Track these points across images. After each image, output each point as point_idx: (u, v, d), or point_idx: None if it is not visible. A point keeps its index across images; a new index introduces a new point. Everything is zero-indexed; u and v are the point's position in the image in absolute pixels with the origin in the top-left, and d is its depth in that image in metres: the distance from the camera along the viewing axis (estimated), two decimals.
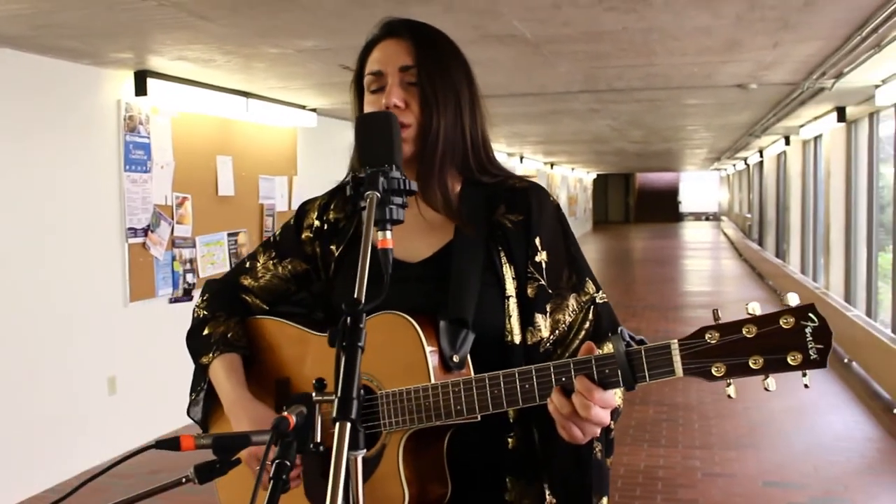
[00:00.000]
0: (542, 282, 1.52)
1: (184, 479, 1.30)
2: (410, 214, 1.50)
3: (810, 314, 1.19)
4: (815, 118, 10.29)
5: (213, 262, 6.89)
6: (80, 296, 5.52)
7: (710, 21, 4.66)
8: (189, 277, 6.55)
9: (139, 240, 6.02)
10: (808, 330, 1.18)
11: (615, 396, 1.36)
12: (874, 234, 8.96)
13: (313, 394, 1.23)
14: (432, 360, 1.40)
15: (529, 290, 1.52)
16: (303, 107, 8.04)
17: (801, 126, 11.23)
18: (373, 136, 1.30)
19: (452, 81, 1.55)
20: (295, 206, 8.22)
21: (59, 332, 5.36)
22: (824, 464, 5.42)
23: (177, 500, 4.96)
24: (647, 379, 1.26)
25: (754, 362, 1.20)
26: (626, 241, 28.76)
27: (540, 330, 1.51)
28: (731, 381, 1.23)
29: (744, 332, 1.21)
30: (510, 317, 1.50)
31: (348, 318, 1.09)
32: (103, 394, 5.74)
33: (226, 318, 1.66)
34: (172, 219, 6.36)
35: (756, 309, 1.21)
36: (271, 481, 1.11)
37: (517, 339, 1.50)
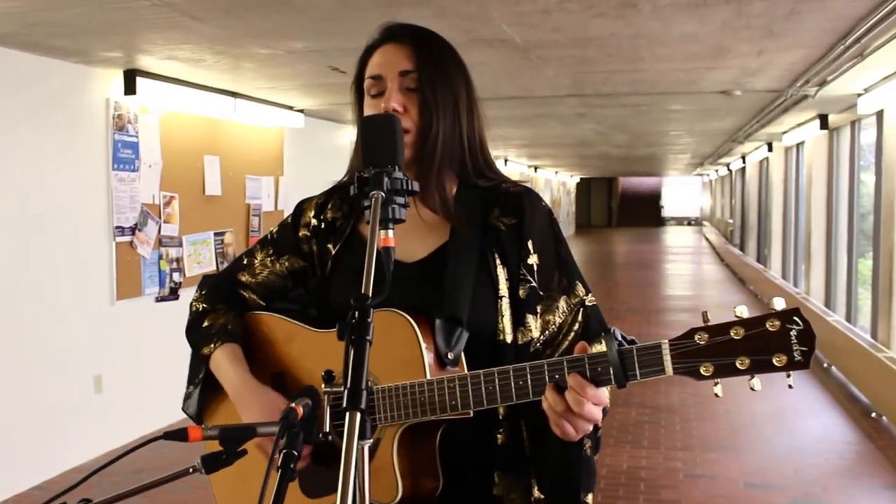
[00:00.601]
0: (534, 283, 1.56)
1: (191, 470, 1.34)
2: (408, 215, 1.54)
3: (795, 318, 1.23)
4: (798, 125, 10.41)
5: (200, 261, 6.89)
6: (67, 294, 5.53)
7: (696, 28, 4.73)
8: (176, 276, 6.56)
9: (126, 238, 6.03)
10: (792, 333, 1.23)
11: (607, 394, 1.40)
12: (854, 240, 9.07)
13: (322, 385, 1.26)
14: (428, 356, 1.44)
15: (521, 292, 1.56)
16: (290, 107, 8.06)
17: (784, 133, 11.35)
18: (377, 137, 1.34)
19: (451, 86, 1.59)
20: (281, 207, 8.27)
21: (45, 330, 5.36)
22: (804, 466, 5.49)
23: (161, 499, 4.98)
24: (639, 377, 1.30)
25: (741, 363, 1.25)
26: (609, 245, 28.89)
27: (531, 330, 1.55)
28: (719, 380, 1.28)
29: (731, 334, 1.25)
30: (503, 316, 1.54)
31: (356, 312, 1.12)
32: (90, 392, 5.74)
33: (225, 311, 1.70)
34: (160, 218, 6.37)
35: (743, 312, 1.26)
36: (279, 470, 1.15)
37: (509, 338, 1.54)
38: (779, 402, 7.12)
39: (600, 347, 1.36)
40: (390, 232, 1.24)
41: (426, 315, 1.48)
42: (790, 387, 1.26)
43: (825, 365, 8.32)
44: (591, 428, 1.38)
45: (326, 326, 1.60)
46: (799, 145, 12.09)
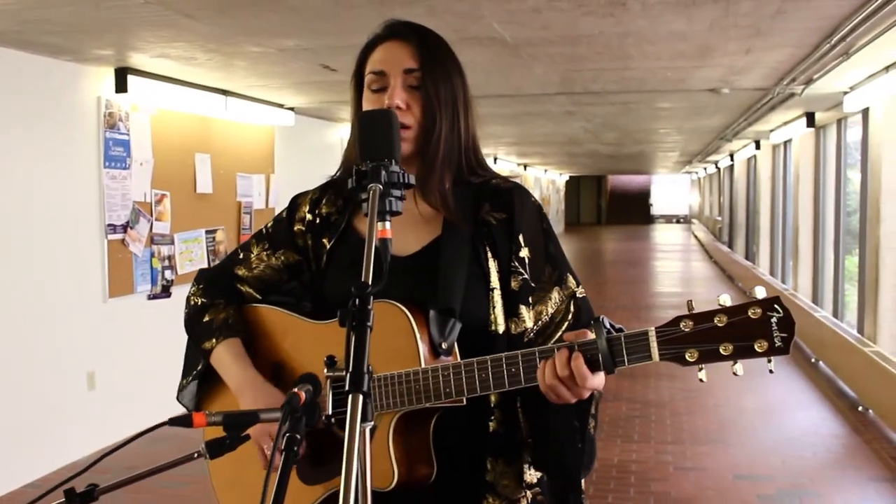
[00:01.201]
0: (526, 276, 1.61)
1: (196, 455, 1.38)
2: (404, 209, 1.59)
3: (776, 306, 1.29)
4: (785, 123, 10.49)
5: (192, 258, 6.92)
6: (59, 291, 5.54)
7: (684, 26, 4.78)
8: (167, 274, 6.58)
9: (118, 236, 6.05)
10: (773, 320, 1.29)
11: (602, 379, 1.44)
12: (841, 237, 9.16)
13: (324, 370, 1.30)
14: (423, 346, 1.48)
15: (513, 284, 1.61)
16: (281, 105, 8.08)
17: (772, 131, 11.43)
18: (374, 132, 1.37)
19: (452, 86, 1.64)
20: (272, 204, 8.28)
21: (38, 328, 5.38)
22: (792, 458, 5.56)
23: (156, 494, 5.03)
24: (626, 363, 1.36)
25: (724, 349, 1.31)
26: (598, 243, 28.98)
27: (524, 321, 1.60)
28: (703, 366, 1.33)
29: (715, 322, 1.31)
30: (494, 308, 1.59)
31: (357, 300, 1.16)
32: (83, 389, 5.76)
33: (225, 306, 1.74)
34: (151, 215, 6.39)
35: (727, 301, 1.31)
36: (283, 454, 1.19)
37: (500, 328, 1.59)
38: (767, 397, 7.19)
39: (591, 336, 1.41)
40: (387, 224, 1.27)
41: (420, 306, 1.52)
42: (771, 371, 1.31)
43: (813, 360, 8.40)
44: (585, 393, 1.42)
45: (321, 318, 1.64)
46: (786, 143, 12.19)
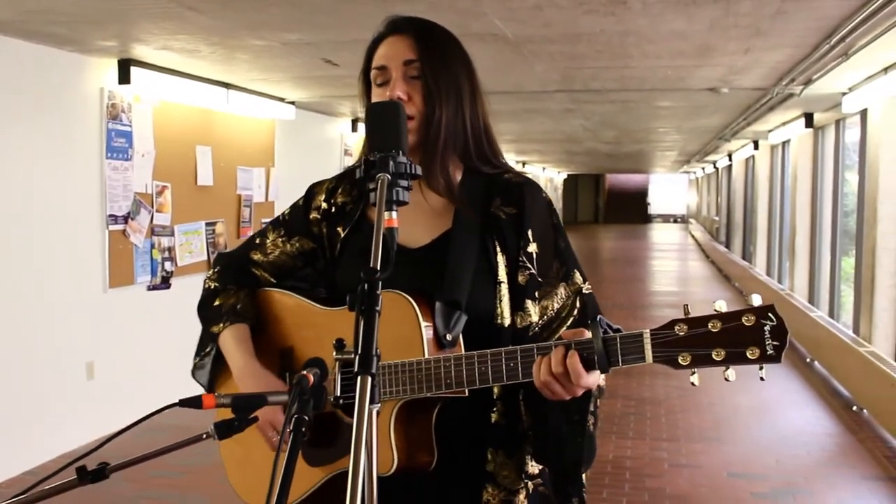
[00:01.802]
0: (533, 271, 1.64)
1: (203, 436, 1.41)
2: (413, 201, 1.62)
3: (770, 314, 1.31)
4: (784, 123, 10.52)
5: (191, 250, 6.94)
6: (60, 281, 5.57)
7: (685, 26, 4.81)
8: (167, 265, 6.60)
9: (119, 227, 6.07)
10: (766, 328, 1.30)
11: (596, 377, 1.46)
12: (838, 238, 9.20)
13: (333, 353, 1.33)
14: (427, 337, 1.51)
15: (520, 278, 1.64)
16: (282, 99, 8.11)
17: (770, 131, 11.47)
18: (381, 123, 1.40)
19: (453, 74, 1.67)
20: (272, 198, 8.32)
21: (39, 317, 5.40)
22: (786, 457, 5.60)
23: (150, 484, 5.06)
24: (620, 363, 1.39)
25: (717, 354, 1.33)
26: (596, 242, 29.02)
27: (530, 315, 1.63)
28: (696, 370, 1.36)
29: (709, 327, 1.33)
30: (500, 301, 1.62)
31: (366, 285, 1.20)
32: (82, 379, 5.79)
33: (235, 291, 1.78)
34: (152, 207, 6.42)
35: (722, 306, 1.34)
36: (291, 434, 1.22)
37: (506, 322, 1.61)
38: (762, 396, 7.23)
39: (588, 335, 1.44)
40: (394, 213, 1.30)
41: (427, 298, 1.55)
42: (762, 379, 1.33)
43: (808, 360, 8.44)
44: (579, 391, 1.44)
45: (334, 305, 1.67)
46: (785, 143, 12.22)
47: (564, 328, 1.63)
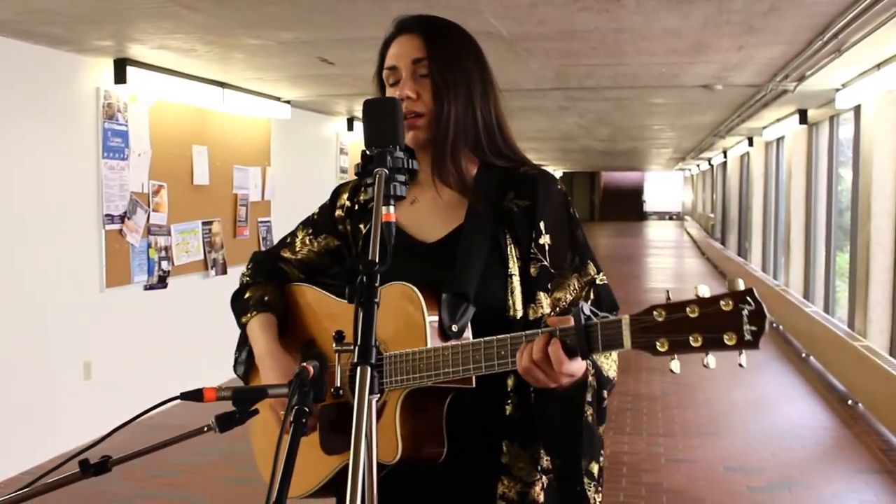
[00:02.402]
0: (545, 262, 1.65)
1: (205, 428, 1.42)
2: (429, 197, 1.65)
3: (748, 298, 1.25)
4: (778, 120, 10.56)
5: (188, 250, 6.95)
6: (56, 281, 5.58)
7: (678, 23, 4.83)
8: (164, 265, 6.62)
9: (116, 226, 6.08)
10: (744, 313, 1.25)
11: (580, 365, 1.46)
12: (833, 234, 9.24)
13: (333, 345, 1.35)
14: (431, 327, 1.53)
15: (532, 270, 1.65)
16: (277, 98, 8.12)
17: (764, 128, 11.50)
18: (378, 119, 1.42)
19: (463, 69, 1.68)
20: (268, 197, 8.34)
21: (35, 317, 5.41)
22: (782, 451, 5.63)
23: (149, 482, 5.07)
24: (600, 350, 1.37)
25: (694, 340, 1.28)
26: (591, 239, 28.32)
27: (542, 307, 1.64)
28: (675, 356, 1.31)
29: (687, 312, 1.29)
30: (512, 293, 1.63)
31: (364, 277, 1.22)
32: (79, 378, 5.80)
33: (264, 284, 1.84)
34: (148, 206, 6.43)
35: (705, 292, 1.29)
36: (292, 425, 1.24)
37: (518, 314, 1.62)
38: (757, 390, 7.27)
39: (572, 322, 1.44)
40: (391, 208, 1.32)
41: (436, 290, 1.57)
42: (741, 365, 1.28)
43: (803, 354, 8.48)
44: (563, 380, 1.43)
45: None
46: (779, 140, 12.25)
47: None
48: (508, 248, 1.65)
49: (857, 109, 7.68)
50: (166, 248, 6.66)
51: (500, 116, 1.75)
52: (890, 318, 7.02)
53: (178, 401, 1.43)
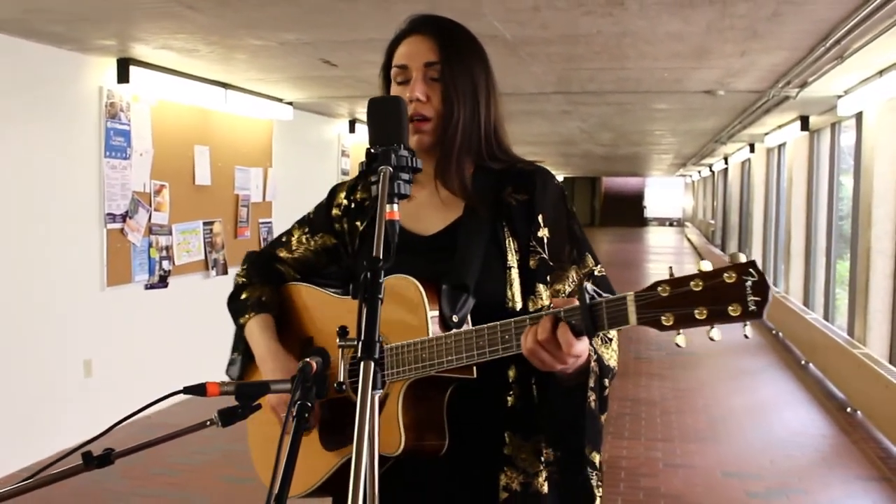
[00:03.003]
0: (544, 255, 1.67)
1: (208, 423, 1.43)
2: (427, 194, 1.67)
3: (751, 270, 1.27)
4: (780, 126, 10.56)
5: (189, 250, 6.96)
6: (58, 279, 5.58)
7: (681, 27, 4.84)
8: (165, 264, 6.62)
9: (117, 225, 6.09)
10: (748, 284, 1.27)
11: (586, 345, 1.48)
12: (833, 242, 9.24)
13: (337, 340, 1.36)
14: (432, 319, 1.54)
15: (531, 262, 1.66)
16: (280, 100, 8.13)
17: (766, 134, 11.51)
18: (383, 117, 1.43)
19: (472, 77, 1.70)
20: (269, 198, 8.36)
21: (37, 315, 5.42)
22: (781, 457, 5.63)
23: (149, 480, 5.06)
24: (606, 327, 1.38)
25: (699, 313, 1.30)
26: (592, 244, 28.94)
27: (541, 298, 1.65)
28: (680, 330, 1.34)
29: (691, 286, 1.31)
30: (511, 285, 1.64)
31: (369, 273, 1.22)
32: (79, 377, 5.80)
33: (261, 285, 1.85)
34: (150, 206, 6.43)
35: (707, 267, 1.32)
36: (295, 420, 1.25)
37: (518, 305, 1.64)
38: (756, 397, 7.27)
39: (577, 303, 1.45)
40: (395, 206, 1.33)
41: (435, 282, 1.58)
42: (746, 336, 1.30)
43: (802, 361, 8.48)
44: (558, 366, 1.44)
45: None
46: (780, 147, 12.26)
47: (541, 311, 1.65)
48: (507, 241, 1.66)
49: (859, 116, 7.68)
50: (167, 248, 6.67)
51: (500, 121, 1.77)
52: (890, 325, 7.02)
53: (180, 399, 1.43)
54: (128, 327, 6.23)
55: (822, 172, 9.87)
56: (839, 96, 7.33)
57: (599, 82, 7.15)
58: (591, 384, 1.58)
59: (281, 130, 8.57)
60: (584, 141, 14.54)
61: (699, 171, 27.01)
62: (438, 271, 1.61)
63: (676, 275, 1.34)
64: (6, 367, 5.19)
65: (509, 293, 1.64)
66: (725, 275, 1.28)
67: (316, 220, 1.89)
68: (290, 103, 8.32)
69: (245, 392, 1.41)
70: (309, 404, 1.27)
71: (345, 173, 10.35)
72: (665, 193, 42.14)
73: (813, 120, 9.45)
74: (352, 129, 10.48)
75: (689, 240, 29.51)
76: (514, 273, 1.65)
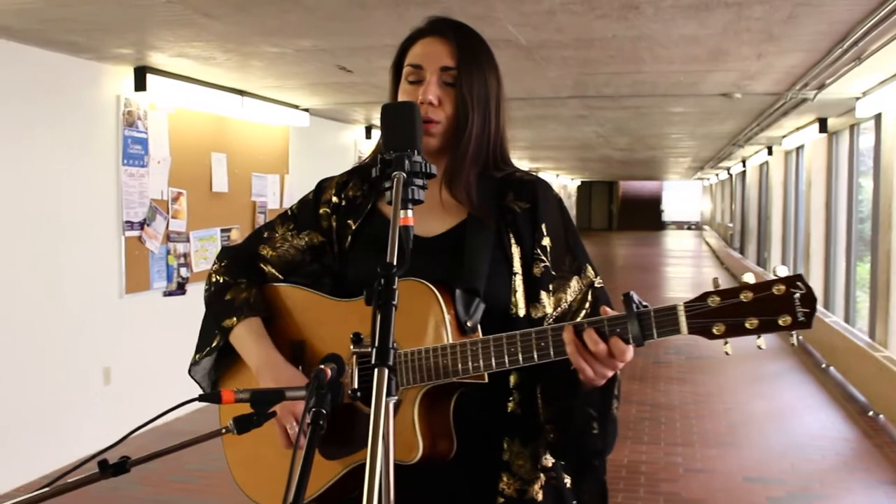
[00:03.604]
0: (547, 263, 1.66)
1: (224, 430, 1.43)
2: (428, 195, 1.63)
3: (798, 283, 1.35)
4: (797, 129, 10.50)
5: (206, 257, 6.98)
6: (76, 287, 5.62)
7: (697, 30, 4.82)
8: (183, 271, 6.65)
9: (135, 233, 6.12)
10: (796, 296, 1.35)
11: (630, 353, 1.48)
12: (853, 244, 9.16)
13: (351, 346, 1.35)
14: (449, 323, 1.53)
15: (535, 270, 1.66)
16: (296, 106, 8.16)
17: (784, 136, 11.44)
18: (397, 123, 1.43)
19: (487, 86, 1.69)
20: (286, 204, 8.39)
21: (55, 323, 5.45)
22: (801, 461, 5.58)
23: (166, 487, 5.08)
24: (655, 336, 1.41)
25: (750, 323, 1.36)
26: (610, 249, 28.97)
27: (544, 306, 1.65)
28: (728, 340, 1.39)
29: (741, 298, 1.37)
30: (515, 292, 1.64)
31: (383, 280, 1.22)
32: (98, 384, 5.84)
33: (247, 286, 1.77)
34: (168, 213, 6.47)
35: (751, 279, 1.38)
36: (309, 427, 1.24)
37: (521, 312, 1.64)
38: (777, 401, 7.21)
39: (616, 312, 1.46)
40: (409, 212, 1.33)
41: (446, 285, 1.57)
42: (793, 344, 1.41)
43: (823, 365, 8.41)
44: (609, 373, 1.47)
45: (341, 297, 1.69)
46: (798, 149, 12.18)
47: (577, 320, 1.64)
48: (512, 248, 1.66)
49: (878, 118, 7.62)
50: (185, 255, 6.70)
51: (504, 131, 1.76)
52: None
53: (200, 405, 1.43)
54: (146, 334, 6.26)
55: (841, 174, 9.79)
56: (857, 98, 7.27)
57: (615, 86, 7.13)
58: (616, 392, 1.59)
59: (297, 137, 8.60)
60: (600, 145, 14.51)
61: (717, 175, 26.87)
62: (447, 273, 1.60)
63: (722, 286, 1.40)
64: (26, 374, 5.23)
65: (513, 299, 1.64)
66: (775, 287, 1.36)
67: (302, 217, 1.82)
68: (307, 110, 8.35)
69: (260, 399, 1.41)
70: (324, 411, 1.26)
71: None
72: (683, 197, 41.95)
73: (831, 122, 9.39)
74: (368, 135, 10.50)
75: (707, 243, 29.38)
76: (519, 280, 1.65)
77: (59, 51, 5.36)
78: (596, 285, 1.69)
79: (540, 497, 1.63)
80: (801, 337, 1.41)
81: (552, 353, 1.46)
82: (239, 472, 1.78)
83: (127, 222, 6.03)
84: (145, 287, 6.25)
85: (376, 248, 1.26)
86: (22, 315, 5.20)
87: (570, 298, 1.67)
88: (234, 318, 1.72)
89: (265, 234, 1.83)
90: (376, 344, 1.16)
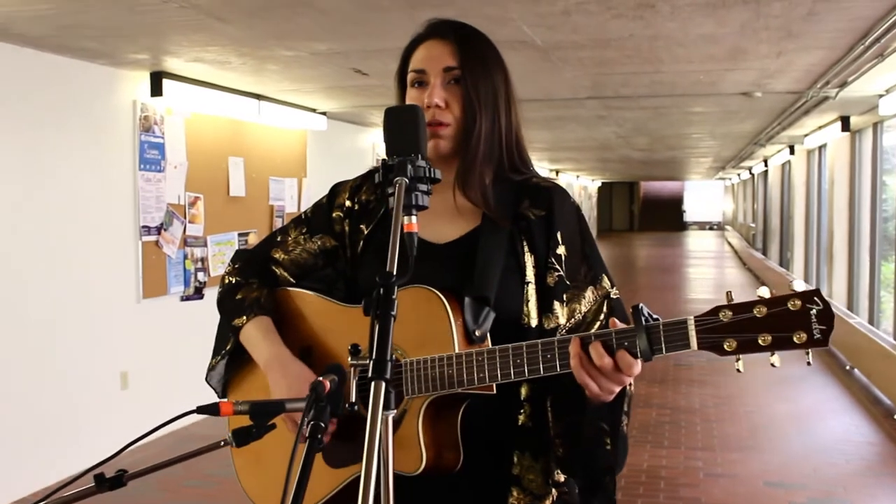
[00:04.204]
0: (562, 272, 1.61)
1: (222, 443, 1.40)
2: (441, 200, 1.60)
3: (815, 298, 1.28)
4: (820, 127, 10.38)
5: (224, 261, 6.99)
6: (94, 292, 5.63)
7: (715, 29, 4.76)
8: (200, 276, 6.66)
9: (152, 238, 6.13)
10: (813, 312, 1.28)
11: (638, 367, 1.43)
12: (877, 243, 9.04)
13: (349, 358, 1.32)
14: (457, 332, 1.49)
15: (549, 280, 1.61)
16: (313, 110, 8.15)
17: (806, 135, 11.31)
18: (400, 127, 1.39)
19: (493, 84, 1.65)
20: (304, 208, 8.37)
21: (73, 328, 5.47)
22: (824, 465, 5.50)
23: (181, 493, 5.07)
24: (664, 351, 1.36)
25: (763, 340, 1.30)
26: (631, 249, 28.84)
27: (557, 317, 1.60)
28: (741, 356, 1.33)
29: (755, 312, 1.30)
30: (528, 302, 1.59)
31: (381, 289, 1.18)
32: (116, 388, 5.85)
33: (258, 286, 1.75)
34: (185, 218, 6.48)
35: (766, 293, 1.31)
36: (307, 440, 1.21)
37: (533, 322, 1.59)
38: (799, 404, 7.12)
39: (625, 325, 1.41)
40: (413, 218, 1.29)
41: (455, 293, 1.53)
42: (808, 364, 1.32)
43: (847, 367, 8.29)
44: (616, 389, 1.42)
45: (354, 303, 1.66)
46: (821, 148, 12.05)
47: (591, 332, 1.60)
48: (525, 256, 1.62)
49: None
50: (202, 260, 6.70)
51: (519, 131, 1.72)
52: None
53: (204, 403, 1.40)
54: (164, 339, 6.26)
55: (865, 173, 9.67)
56: (881, 95, 7.17)
57: (633, 86, 7.07)
58: (626, 408, 1.54)
59: (315, 140, 8.60)
60: (620, 146, 14.43)
61: (738, 174, 26.67)
62: (457, 281, 1.56)
63: (736, 300, 1.33)
64: (44, 379, 5.24)
65: (525, 309, 1.59)
66: (790, 303, 1.29)
67: (315, 221, 1.80)
68: (324, 113, 8.34)
69: (259, 411, 1.38)
70: (322, 424, 1.23)
71: None
72: (704, 197, 41.71)
73: (854, 120, 9.27)
74: None
75: (729, 244, 29.18)
76: (532, 289, 1.60)
77: (74, 57, 5.38)
78: (612, 296, 1.65)
79: None
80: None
81: (558, 365, 1.42)
82: (246, 479, 1.76)
83: (144, 227, 6.04)
84: (163, 292, 6.25)
85: (387, 254, 1.22)
86: (39, 320, 5.21)
87: (584, 309, 1.62)
88: (244, 317, 1.70)
89: (278, 238, 1.81)
90: (373, 356, 1.13)
